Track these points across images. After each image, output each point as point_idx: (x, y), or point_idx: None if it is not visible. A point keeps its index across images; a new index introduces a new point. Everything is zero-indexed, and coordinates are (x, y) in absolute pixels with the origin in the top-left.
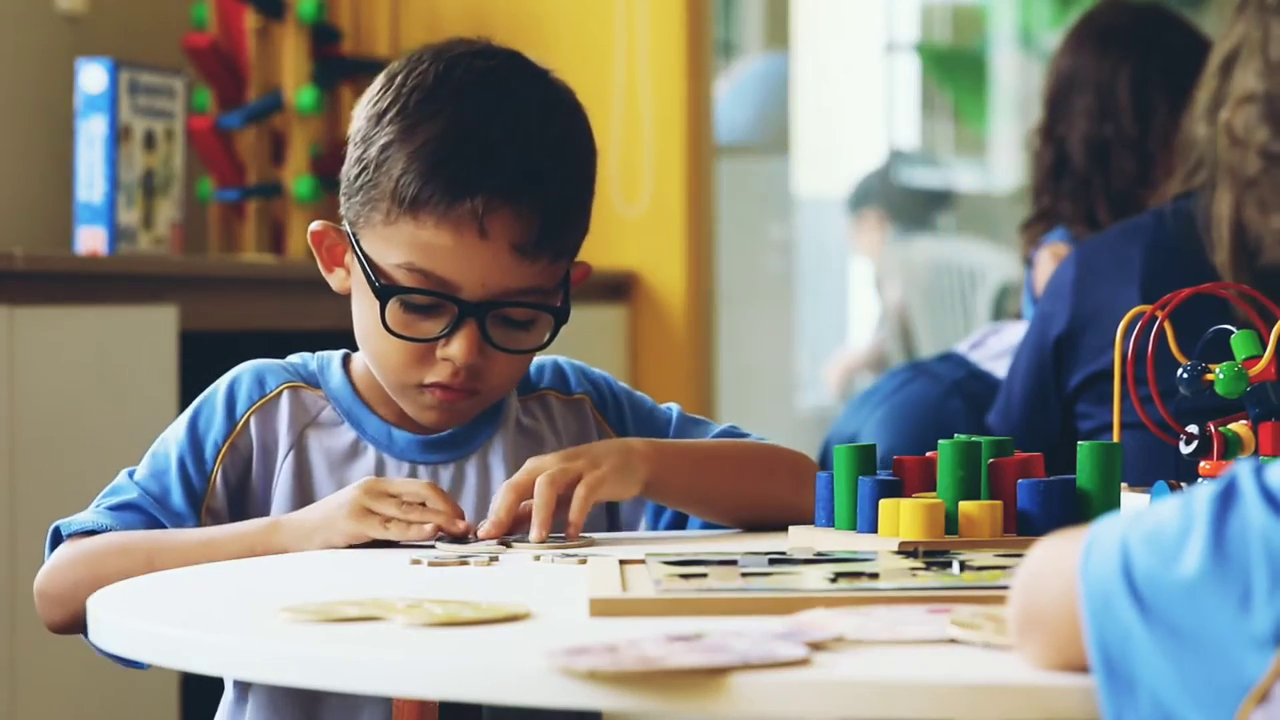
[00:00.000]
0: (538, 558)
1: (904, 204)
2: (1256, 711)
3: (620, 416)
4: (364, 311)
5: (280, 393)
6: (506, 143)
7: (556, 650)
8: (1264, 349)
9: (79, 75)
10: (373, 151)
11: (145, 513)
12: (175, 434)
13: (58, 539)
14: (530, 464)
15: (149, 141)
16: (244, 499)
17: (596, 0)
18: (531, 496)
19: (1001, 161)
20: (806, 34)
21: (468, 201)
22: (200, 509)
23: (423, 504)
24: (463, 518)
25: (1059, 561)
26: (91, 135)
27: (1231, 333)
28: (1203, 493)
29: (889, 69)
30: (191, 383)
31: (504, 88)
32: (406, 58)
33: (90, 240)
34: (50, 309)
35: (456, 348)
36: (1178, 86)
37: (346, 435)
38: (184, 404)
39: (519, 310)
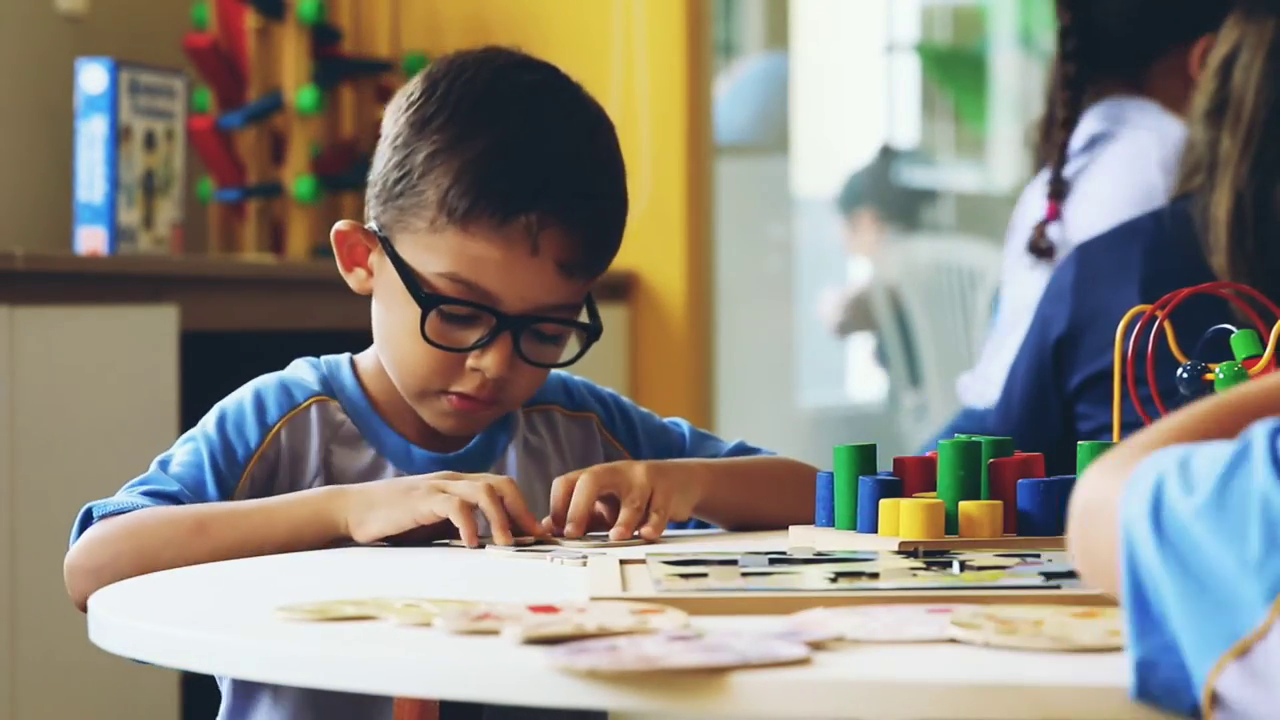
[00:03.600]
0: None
1: (898, 203)
2: (1233, 664)
3: (632, 434)
4: (391, 315)
5: (309, 405)
6: (559, 161)
7: (557, 650)
8: (1264, 349)
9: (79, 75)
10: (417, 159)
11: (180, 501)
12: (205, 434)
13: (87, 520)
14: (611, 467)
15: (149, 142)
16: None
17: (595, 0)
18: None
19: (1001, 161)
20: (806, 34)
21: (522, 217)
22: None
23: (501, 497)
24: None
25: (1104, 498)
26: (92, 135)
27: (1231, 332)
28: (1228, 447)
29: (889, 69)
30: (192, 383)
31: (552, 105)
32: (447, 63)
33: (90, 240)
34: (50, 309)
35: (490, 360)
36: None
37: (366, 453)
38: (184, 404)
39: (551, 325)
